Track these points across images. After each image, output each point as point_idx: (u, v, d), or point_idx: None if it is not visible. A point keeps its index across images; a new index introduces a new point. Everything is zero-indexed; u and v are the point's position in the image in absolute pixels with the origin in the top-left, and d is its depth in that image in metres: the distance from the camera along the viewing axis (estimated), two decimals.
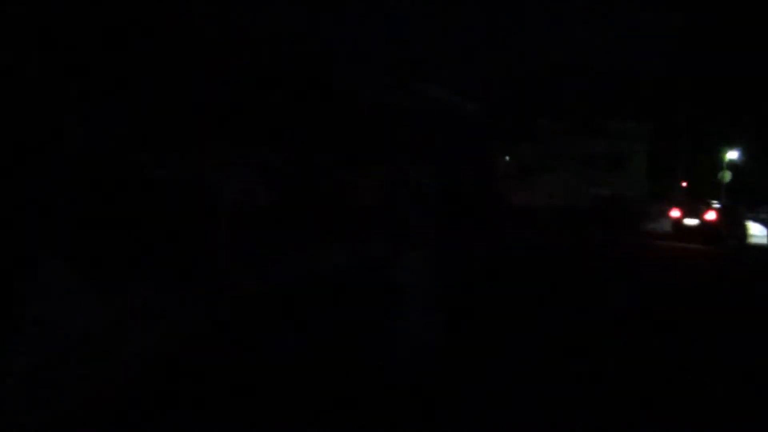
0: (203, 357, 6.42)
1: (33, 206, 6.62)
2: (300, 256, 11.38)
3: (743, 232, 22.16)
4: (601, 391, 5.31)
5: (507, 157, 25.33)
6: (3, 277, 6.32)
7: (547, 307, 8.83)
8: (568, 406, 4.93)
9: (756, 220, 26.46)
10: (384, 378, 5.43)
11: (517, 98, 24.65)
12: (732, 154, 30.90)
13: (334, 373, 5.67)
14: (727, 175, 29.62)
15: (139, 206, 8.57)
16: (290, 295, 9.18)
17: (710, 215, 21.61)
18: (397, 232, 15.74)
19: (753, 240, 23.62)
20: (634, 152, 27.89)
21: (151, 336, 6.76)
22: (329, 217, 14.08)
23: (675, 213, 22.69)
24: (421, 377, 5.48)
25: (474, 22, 21.33)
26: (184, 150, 10.07)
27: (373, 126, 19.16)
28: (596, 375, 5.76)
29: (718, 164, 30.18)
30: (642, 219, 24.43)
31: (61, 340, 6.65)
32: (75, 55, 9.49)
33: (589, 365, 6.05)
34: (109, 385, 5.98)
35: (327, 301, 8.92)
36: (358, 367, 5.76)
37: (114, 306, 7.10)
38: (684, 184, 29.36)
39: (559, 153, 26.16)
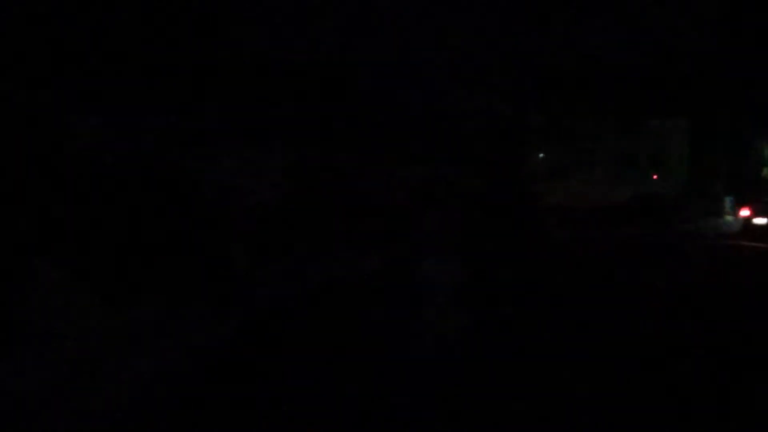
0: (225, 368, 6.09)
1: (32, 211, 6.23)
2: (322, 260, 10.90)
3: None
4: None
5: (541, 155, 24.59)
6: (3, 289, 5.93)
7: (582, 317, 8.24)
8: (594, 413, 4.82)
9: None
10: (408, 378, 5.44)
11: (552, 96, 23.88)
12: None
13: (359, 374, 5.62)
14: None
15: (149, 208, 8.14)
16: (313, 301, 8.73)
17: None
18: (423, 233, 15.20)
19: None
20: (673, 149, 26.92)
21: (163, 352, 6.27)
22: (353, 218, 13.62)
23: (745, 212, 21.99)
24: (444, 377, 5.48)
25: (509, 18, 20.63)
26: (198, 149, 9.65)
27: (399, 125, 18.68)
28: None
29: (761, 160, 29.08)
30: (684, 218, 23.42)
31: (67, 355, 6.21)
32: (82, 51, 9.16)
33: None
34: (118, 402, 5.53)
35: (352, 306, 8.54)
36: (383, 368, 5.75)
37: (124, 320, 6.65)
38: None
39: (596, 151, 25.33)
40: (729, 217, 24.77)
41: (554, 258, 14.28)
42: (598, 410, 4.83)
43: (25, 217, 6.80)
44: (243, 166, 11.08)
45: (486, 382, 5.44)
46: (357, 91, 16.32)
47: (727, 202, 25.46)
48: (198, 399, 5.28)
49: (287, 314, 8.26)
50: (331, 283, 9.84)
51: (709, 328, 7.57)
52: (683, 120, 27.13)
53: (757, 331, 7.49)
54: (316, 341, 6.68)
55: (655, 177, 26.00)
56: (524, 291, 9.57)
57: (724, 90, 26.41)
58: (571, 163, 24.62)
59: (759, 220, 20.98)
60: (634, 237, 19.32)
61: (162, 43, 10.47)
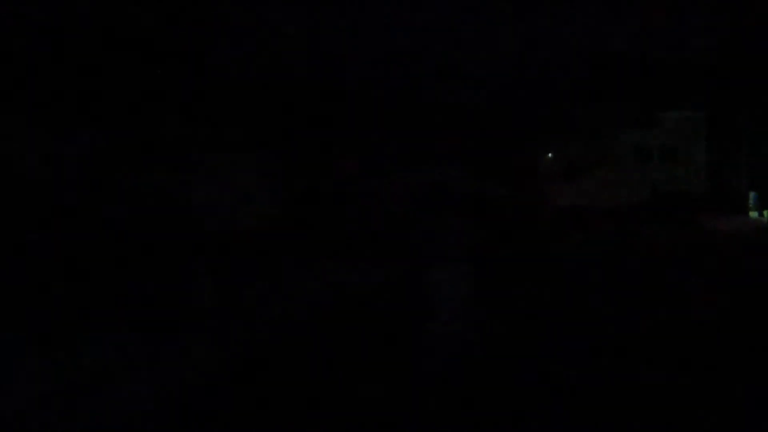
0: None
1: None
2: (320, 273, 9.66)
3: None
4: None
5: (550, 154, 23.26)
6: None
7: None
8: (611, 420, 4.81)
9: None
10: (420, 391, 5.36)
11: (561, 87, 22.54)
12: None
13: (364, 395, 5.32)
14: None
15: (101, 231, 6.77)
16: (311, 320, 7.62)
17: None
18: (429, 240, 14.01)
19: None
20: (691, 144, 25.54)
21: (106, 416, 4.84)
22: (346, 227, 12.36)
23: None
24: (456, 390, 5.40)
25: (514, 7, 19.31)
26: (164, 158, 8.27)
27: (398, 126, 17.42)
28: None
29: None
30: (705, 217, 22.04)
31: None
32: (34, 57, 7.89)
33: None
34: None
35: (354, 321, 7.70)
36: (391, 383, 5.57)
37: (59, 370, 5.24)
38: None
39: (609, 147, 23.98)
40: (754, 214, 23.42)
41: (569, 265, 13.12)
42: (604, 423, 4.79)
43: None
44: (227, 177, 9.74)
45: (498, 394, 5.34)
46: (351, 92, 14.96)
47: (752, 198, 24.06)
48: None
49: (278, 347, 6.97)
50: (330, 298, 8.92)
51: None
52: (700, 112, 25.73)
53: None
54: (314, 367, 5.96)
55: (673, 173, 24.65)
56: (537, 301, 9.05)
57: (743, 79, 25.04)
58: (584, 161, 23.29)
59: None
60: (655, 239, 18.01)
61: (136, 44, 9.15)
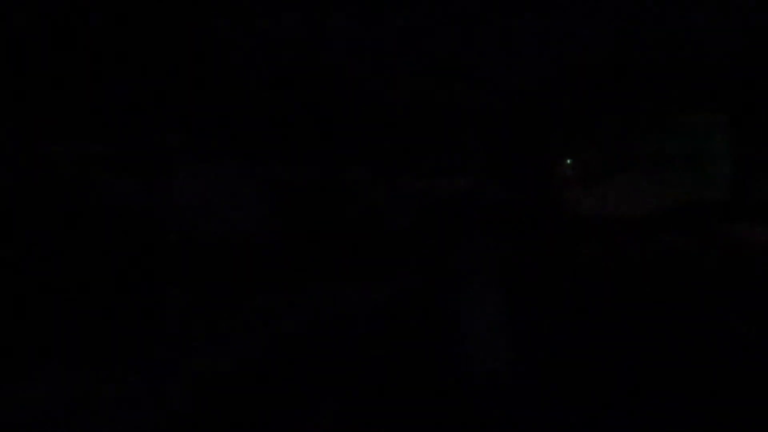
0: None
1: None
2: (320, 295, 9.07)
3: None
4: None
5: (569, 161, 22.69)
6: None
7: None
8: None
9: None
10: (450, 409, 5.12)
11: (577, 92, 21.99)
12: None
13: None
14: None
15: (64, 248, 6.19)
16: (309, 346, 7.01)
17: None
18: (442, 254, 13.49)
19: None
20: (714, 149, 24.84)
21: None
22: (356, 242, 11.80)
23: None
24: (487, 407, 5.22)
25: (527, 9, 18.79)
26: (144, 164, 7.68)
27: (406, 131, 16.88)
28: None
29: None
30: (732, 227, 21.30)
31: None
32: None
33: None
34: None
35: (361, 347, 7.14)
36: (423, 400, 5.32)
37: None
38: None
39: (628, 153, 23.39)
40: None
41: (589, 280, 12.69)
42: None
43: None
44: (211, 188, 9.15)
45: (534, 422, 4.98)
46: (358, 93, 14.38)
47: None
48: None
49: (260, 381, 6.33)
50: (334, 320, 8.40)
51: None
52: (723, 115, 25.01)
53: None
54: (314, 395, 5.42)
55: (695, 180, 24.02)
56: (560, 311, 8.95)
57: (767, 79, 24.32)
58: (602, 168, 22.72)
59: None
60: (677, 249, 17.40)
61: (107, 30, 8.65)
